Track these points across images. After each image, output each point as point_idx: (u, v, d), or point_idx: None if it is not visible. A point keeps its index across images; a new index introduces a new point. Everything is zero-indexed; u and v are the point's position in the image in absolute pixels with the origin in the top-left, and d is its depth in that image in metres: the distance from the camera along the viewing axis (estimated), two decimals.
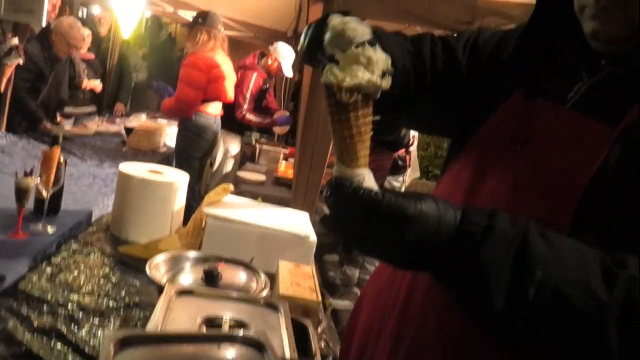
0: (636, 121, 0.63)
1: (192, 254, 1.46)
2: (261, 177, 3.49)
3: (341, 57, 0.63)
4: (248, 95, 4.14)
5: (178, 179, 1.84)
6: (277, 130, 4.44)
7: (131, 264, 1.60)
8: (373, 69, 0.62)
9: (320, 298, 1.40)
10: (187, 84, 3.45)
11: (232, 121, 4.14)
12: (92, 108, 4.40)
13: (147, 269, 1.31)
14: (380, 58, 0.62)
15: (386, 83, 0.63)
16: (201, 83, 3.46)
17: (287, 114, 4.39)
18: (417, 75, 0.85)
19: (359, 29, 0.64)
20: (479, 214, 0.57)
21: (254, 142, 4.63)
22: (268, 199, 2.96)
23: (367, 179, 0.61)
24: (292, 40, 5.43)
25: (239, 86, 4.12)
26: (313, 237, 1.75)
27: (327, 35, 0.65)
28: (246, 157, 4.42)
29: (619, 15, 0.65)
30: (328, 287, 3.99)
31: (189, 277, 1.36)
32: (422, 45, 0.88)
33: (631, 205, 0.59)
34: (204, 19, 3.51)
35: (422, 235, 0.56)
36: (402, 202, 0.56)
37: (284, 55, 4.17)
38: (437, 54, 0.87)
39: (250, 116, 4.21)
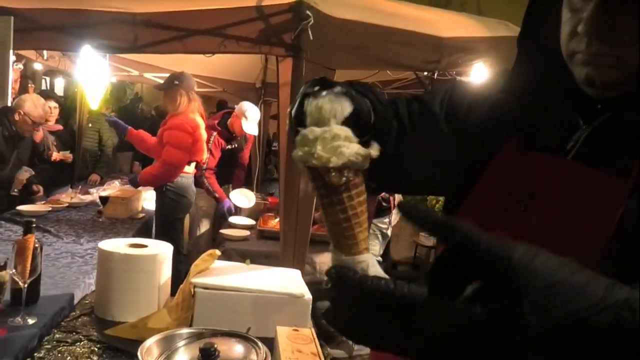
0: None
1: (186, 331, 1.38)
2: (245, 233, 3.43)
3: (317, 140, 0.58)
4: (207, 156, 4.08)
5: (162, 251, 1.78)
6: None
7: (121, 347, 1.51)
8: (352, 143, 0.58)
9: None
10: (176, 146, 3.43)
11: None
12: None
13: (138, 355, 1.23)
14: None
15: (375, 150, 0.58)
16: (188, 145, 3.47)
17: (231, 204, 4.17)
18: (399, 135, 0.82)
19: (335, 108, 0.59)
20: None
21: None
22: (255, 255, 2.90)
23: (372, 265, 0.56)
24: (261, 91, 5.48)
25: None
26: (308, 295, 1.69)
27: (308, 123, 0.61)
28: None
29: (612, 60, 0.63)
30: (323, 336, 3.88)
31: (184, 357, 1.29)
32: (397, 105, 0.85)
33: None
34: (180, 81, 3.52)
35: None
36: (416, 290, 0.50)
37: (244, 113, 4.15)
38: (413, 111, 0.85)
39: (206, 181, 4.09)
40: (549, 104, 0.73)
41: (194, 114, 3.54)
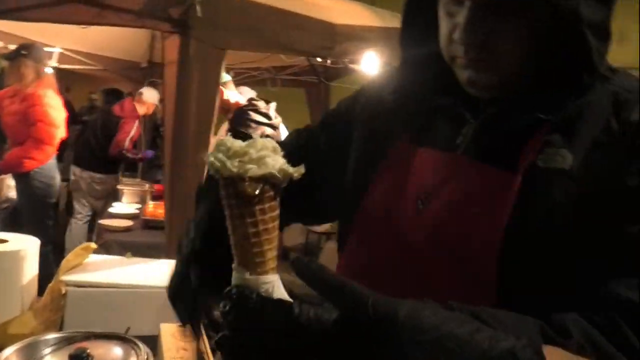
0: (533, 163, 0.62)
1: (53, 336, 1.24)
2: (127, 223, 3.18)
3: (243, 145, 0.52)
4: (128, 140, 4.33)
5: (25, 246, 1.57)
6: None
7: None
8: (278, 156, 0.54)
9: None
10: (51, 124, 3.22)
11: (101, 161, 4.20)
12: None
13: None
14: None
15: (298, 172, 0.54)
16: (61, 122, 3.30)
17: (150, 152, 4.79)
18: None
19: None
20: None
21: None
22: (139, 247, 2.70)
23: (277, 288, 0.51)
24: (147, 71, 5.16)
25: (121, 132, 4.30)
26: None
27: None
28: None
29: (489, 65, 0.64)
30: (214, 328, 3.76)
31: None
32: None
33: (555, 251, 0.57)
34: (28, 51, 3.24)
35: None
36: (322, 314, 0.47)
37: (153, 98, 4.52)
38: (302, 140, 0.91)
39: (128, 154, 4.37)
40: (436, 102, 0.74)
41: (52, 91, 3.32)
